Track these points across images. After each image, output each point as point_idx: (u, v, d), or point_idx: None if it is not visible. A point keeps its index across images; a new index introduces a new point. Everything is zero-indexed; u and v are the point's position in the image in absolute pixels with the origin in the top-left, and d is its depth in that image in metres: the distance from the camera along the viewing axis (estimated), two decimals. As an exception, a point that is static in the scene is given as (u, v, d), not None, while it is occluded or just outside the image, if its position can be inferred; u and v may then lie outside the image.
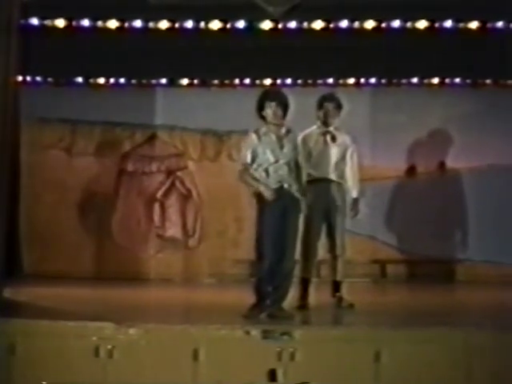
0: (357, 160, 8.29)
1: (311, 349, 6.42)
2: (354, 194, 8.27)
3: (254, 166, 7.31)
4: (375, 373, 6.36)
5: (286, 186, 7.28)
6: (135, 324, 6.65)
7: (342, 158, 8.22)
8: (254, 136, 7.37)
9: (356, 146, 8.33)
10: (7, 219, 8.14)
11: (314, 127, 8.24)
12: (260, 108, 7.41)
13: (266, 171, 7.28)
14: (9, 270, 8.47)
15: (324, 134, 8.20)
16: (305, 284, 8.14)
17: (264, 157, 7.29)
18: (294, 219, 7.36)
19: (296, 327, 6.75)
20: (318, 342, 6.50)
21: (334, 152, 8.18)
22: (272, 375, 6.34)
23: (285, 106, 7.35)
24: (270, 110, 7.32)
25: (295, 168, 7.39)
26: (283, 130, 7.37)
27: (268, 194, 7.20)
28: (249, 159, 7.31)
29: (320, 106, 8.21)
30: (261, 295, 7.32)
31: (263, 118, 7.39)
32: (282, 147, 7.31)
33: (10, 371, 6.51)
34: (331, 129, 8.22)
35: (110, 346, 6.45)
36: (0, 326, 6.67)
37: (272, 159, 7.29)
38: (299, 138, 7.81)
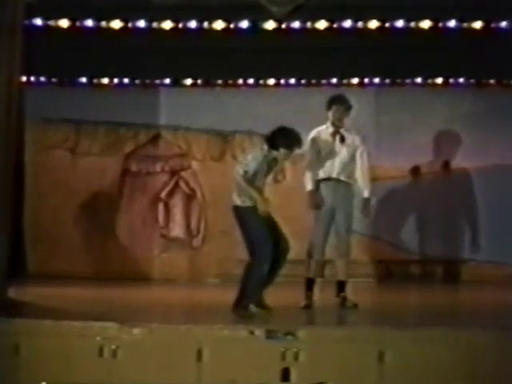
0: (367, 160, 8.29)
1: (315, 349, 6.42)
2: (366, 193, 8.27)
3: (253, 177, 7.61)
4: (379, 373, 6.36)
5: None
6: (139, 324, 6.66)
7: (352, 158, 8.22)
8: (262, 151, 7.68)
9: (366, 147, 8.33)
10: (12, 219, 8.15)
11: (324, 127, 8.26)
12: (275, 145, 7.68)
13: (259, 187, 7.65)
14: (13, 269, 8.48)
15: (334, 134, 8.21)
16: (309, 284, 8.15)
17: (259, 175, 7.62)
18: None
19: (300, 327, 6.75)
20: (322, 341, 6.49)
21: (343, 152, 8.19)
22: (285, 375, 6.34)
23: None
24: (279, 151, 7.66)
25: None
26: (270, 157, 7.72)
27: (261, 207, 7.53)
28: (253, 168, 7.58)
29: (329, 107, 8.22)
30: (247, 292, 7.55)
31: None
32: (268, 172, 7.73)
33: (14, 371, 6.52)
34: (341, 130, 8.23)
35: (114, 346, 6.46)
36: (4, 325, 6.68)
37: (261, 184, 7.66)
38: (309, 137, 8.11)
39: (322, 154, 8.17)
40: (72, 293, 9.35)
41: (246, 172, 7.54)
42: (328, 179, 8.18)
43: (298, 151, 7.97)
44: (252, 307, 7.63)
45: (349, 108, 8.25)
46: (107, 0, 9.61)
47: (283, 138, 7.59)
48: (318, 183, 8.16)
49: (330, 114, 8.22)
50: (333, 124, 8.23)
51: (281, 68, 10.89)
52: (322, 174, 8.17)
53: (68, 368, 6.47)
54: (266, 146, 7.67)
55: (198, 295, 9.94)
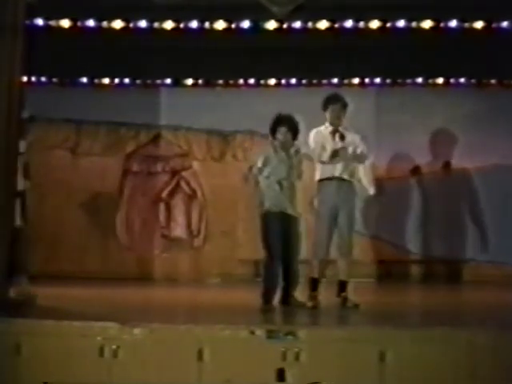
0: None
1: (316, 349, 6.42)
2: (371, 191, 8.28)
3: (265, 173, 7.86)
4: (380, 373, 6.35)
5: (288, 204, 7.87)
6: (140, 324, 6.65)
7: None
8: (271, 146, 7.94)
9: (366, 144, 8.33)
10: (12, 219, 8.14)
11: (323, 127, 8.25)
12: (273, 132, 7.98)
13: (280, 184, 7.82)
14: (14, 269, 8.46)
15: (333, 133, 8.20)
16: (314, 284, 8.15)
17: (278, 170, 7.83)
18: (295, 228, 7.94)
19: (301, 327, 6.75)
20: (323, 342, 6.49)
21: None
22: (280, 375, 6.34)
23: (294, 131, 7.94)
24: (280, 135, 7.91)
25: (294, 189, 7.97)
26: (292, 150, 7.97)
27: (270, 207, 7.83)
28: (260, 164, 7.88)
29: (325, 107, 8.21)
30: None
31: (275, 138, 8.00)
32: (291, 166, 7.91)
33: (15, 371, 6.51)
34: (340, 128, 8.22)
35: (114, 346, 6.46)
36: (5, 325, 6.68)
37: (284, 174, 7.85)
38: (310, 135, 8.23)
39: (325, 151, 8.17)
40: (73, 293, 9.35)
41: (256, 172, 7.87)
42: (331, 178, 8.17)
43: (302, 150, 8.08)
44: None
45: (345, 105, 8.25)
46: (108, 0, 9.61)
47: (277, 122, 7.93)
48: (320, 182, 8.16)
49: (328, 114, 8.22)
50: (331, 124, 8.23)
51: (282, 68, 10.90)
52: (324, 174, 8.17)
53: (69, 368, 6.46)
54: (272, 140, 7.96)
55: (198, 295, 9.94)
